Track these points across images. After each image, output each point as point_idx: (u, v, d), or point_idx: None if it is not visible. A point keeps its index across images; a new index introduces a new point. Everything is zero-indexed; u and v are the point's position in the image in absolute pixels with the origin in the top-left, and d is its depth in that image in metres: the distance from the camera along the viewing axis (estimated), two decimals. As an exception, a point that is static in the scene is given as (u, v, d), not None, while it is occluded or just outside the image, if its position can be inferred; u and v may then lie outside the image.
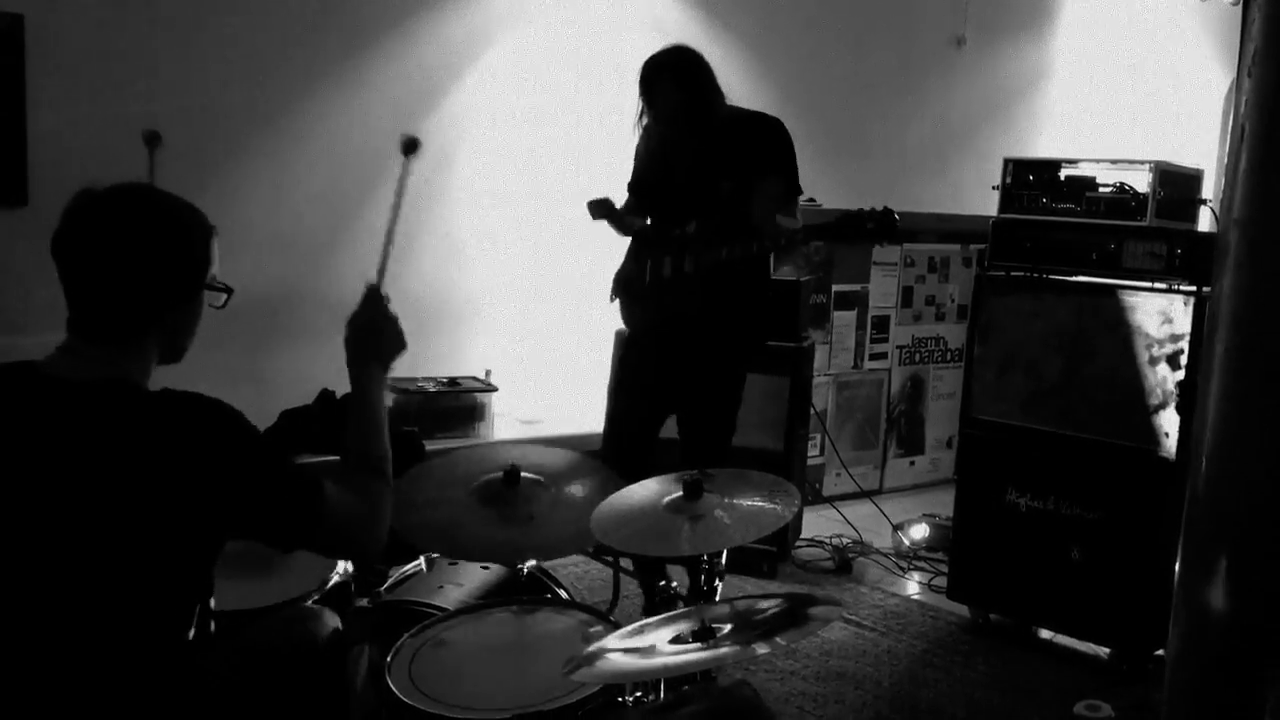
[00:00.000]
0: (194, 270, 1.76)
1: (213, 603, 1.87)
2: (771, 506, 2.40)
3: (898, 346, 5.97)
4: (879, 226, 3.25)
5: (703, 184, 3.42)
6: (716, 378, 3.57)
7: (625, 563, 3.70)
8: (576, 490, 2.53)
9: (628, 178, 3.76)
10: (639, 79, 3.42)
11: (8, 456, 1.63)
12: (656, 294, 3.50)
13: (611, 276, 3.74)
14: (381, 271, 2.11)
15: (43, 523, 1.61)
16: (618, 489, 2.45)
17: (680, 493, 2.43)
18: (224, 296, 1.84)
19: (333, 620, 2.19)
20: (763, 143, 3.44)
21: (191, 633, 1.75)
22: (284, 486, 1.74)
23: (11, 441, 1.64)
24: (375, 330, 2.00)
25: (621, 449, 3.57)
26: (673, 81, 3.36)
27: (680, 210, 3.48)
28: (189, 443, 1.64)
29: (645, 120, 3.53)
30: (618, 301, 3.71)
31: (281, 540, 1.79)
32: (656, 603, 3.55)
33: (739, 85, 3.52)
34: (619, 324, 4.78)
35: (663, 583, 2.57)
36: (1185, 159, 4.00)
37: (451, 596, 2.58)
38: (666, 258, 3.44)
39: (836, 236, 3.42)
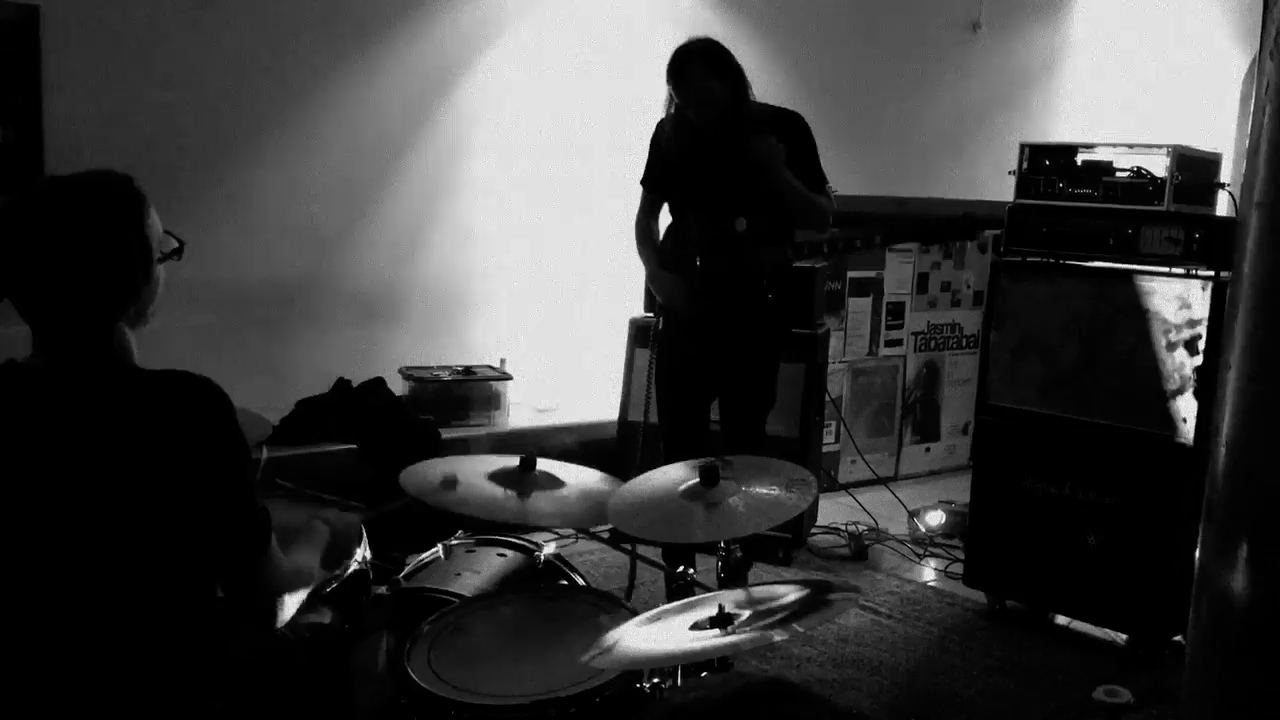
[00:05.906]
0: (136, 264, 1.71)
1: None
2: (786, 495, 2.40)
3: (913, 333, 5.95)
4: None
5: (743, 179, 3.42)
6: (754, 361, 3.61)
7: (654, 553, 3.71)
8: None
9: (639, 173, 3.68)
10: (669, 67, 3.39)
11: (5, 446, 1.66)
12: (705, 289, 3.49)
13: (645, 276, 3.75)
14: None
15: (43, 506, 1.64)
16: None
17: (697, 479, 2.43)
18: (178, 254, 1.82)
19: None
20: (791, 140, 3.44)
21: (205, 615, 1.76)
22: (242, 498, 1.74)
23: (5, 431, 1.67)
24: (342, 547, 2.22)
25: (681, 435, 3.61)
26: (707, 68, 3.35)
27: (721, 204, 3.46)
28: (173, 417, 1.66)
29: (672, 110, 3.49)
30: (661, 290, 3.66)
31: (225, 561, 1.76)
32: (675, 590, 3.58)
33: (753, 71, 3.50)
34: (632, 312, 4.80)
35: (679, 569, 2.57)
36: (1204, 143, 3.97)
37: (469, 584, 2.59)
38: (722, 256, 3.45)
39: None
